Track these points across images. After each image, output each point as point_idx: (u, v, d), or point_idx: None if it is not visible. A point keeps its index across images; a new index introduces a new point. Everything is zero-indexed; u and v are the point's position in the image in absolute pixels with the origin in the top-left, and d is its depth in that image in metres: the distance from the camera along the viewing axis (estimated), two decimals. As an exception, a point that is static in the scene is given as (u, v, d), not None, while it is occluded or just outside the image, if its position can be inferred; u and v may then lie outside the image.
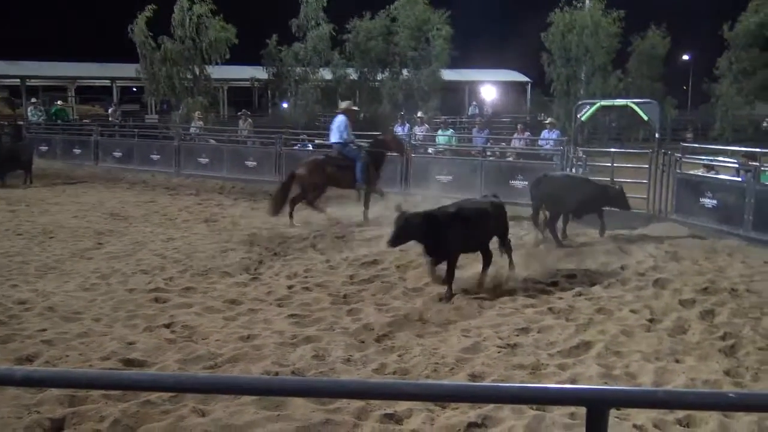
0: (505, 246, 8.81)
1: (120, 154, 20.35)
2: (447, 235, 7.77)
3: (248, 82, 32.77)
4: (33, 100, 26.69)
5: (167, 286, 8.28)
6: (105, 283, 8.41)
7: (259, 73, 29.04)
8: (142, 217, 13.05)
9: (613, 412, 4.55)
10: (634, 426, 4.80)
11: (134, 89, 33.56)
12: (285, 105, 30.69)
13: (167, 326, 6.85)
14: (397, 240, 7.69)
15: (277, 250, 10.25)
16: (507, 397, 2.52)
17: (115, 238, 11.15)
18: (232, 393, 4.26)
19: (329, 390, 2.66)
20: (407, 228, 7.61)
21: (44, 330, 6.66)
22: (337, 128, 12.52)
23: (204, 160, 18.64)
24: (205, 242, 10.83)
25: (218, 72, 28.22)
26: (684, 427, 4.88)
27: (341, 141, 12.52)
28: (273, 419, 4.87)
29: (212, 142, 20.19)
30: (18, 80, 31.40)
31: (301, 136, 19.47)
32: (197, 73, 26.36)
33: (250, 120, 22.11)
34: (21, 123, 22.71)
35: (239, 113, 23.31)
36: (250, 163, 17.92)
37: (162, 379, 2.82)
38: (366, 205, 12.44)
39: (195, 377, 3.02)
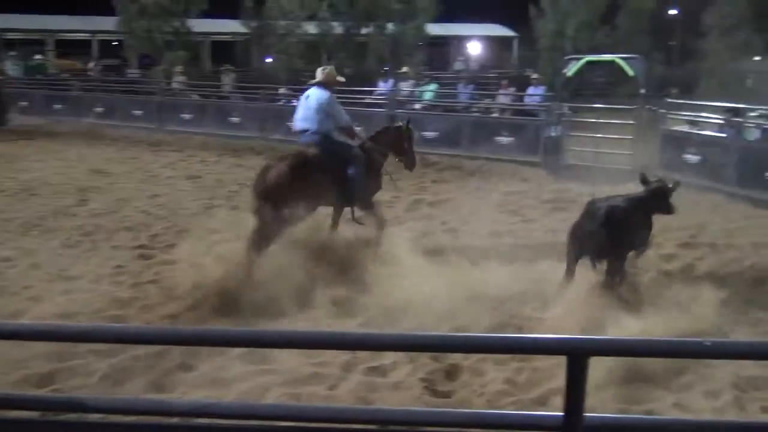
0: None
1: (101, 109, 20.00)
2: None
3: (231, 36, 32.18)
4: (11, 53, 26.06)
5: (151, 243, 8.28)
6: (89, 240, 8.39)
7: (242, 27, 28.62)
8: (126, 174, 12.92)
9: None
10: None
11: (114, 43, 32.79)
12: (269, 60, 30.23)
13: (153, 282, 6.88)
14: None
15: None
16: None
17: (99, 194, 11.07)
18: (219, 345, 4.30)
19: (317, 342, 2.70)
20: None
21: (29, 287, 6.66)
22: (317, 109, 7.38)
23: (187, 116, 18.37)
24: (189, 199, 10.79)
25: (200, 25, 27.62)
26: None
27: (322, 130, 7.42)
28: (260, 373, 4.94)
29: (195, 97, 19.92)
30: (-6, 33, 30.63)
31: (280, 90, 19.15)
32: (177, 26, 25.84)
33: (233, 75, 21.78)
34: (1, 78, 22.16)
35: (222, 68, 22.96)
36: (234, 119, 17.72)
37: (148, 332, 2.85)
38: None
39: (179, 330, 3.06)
